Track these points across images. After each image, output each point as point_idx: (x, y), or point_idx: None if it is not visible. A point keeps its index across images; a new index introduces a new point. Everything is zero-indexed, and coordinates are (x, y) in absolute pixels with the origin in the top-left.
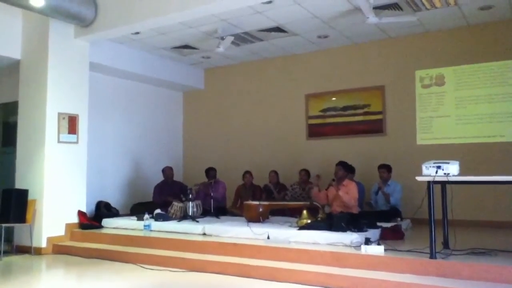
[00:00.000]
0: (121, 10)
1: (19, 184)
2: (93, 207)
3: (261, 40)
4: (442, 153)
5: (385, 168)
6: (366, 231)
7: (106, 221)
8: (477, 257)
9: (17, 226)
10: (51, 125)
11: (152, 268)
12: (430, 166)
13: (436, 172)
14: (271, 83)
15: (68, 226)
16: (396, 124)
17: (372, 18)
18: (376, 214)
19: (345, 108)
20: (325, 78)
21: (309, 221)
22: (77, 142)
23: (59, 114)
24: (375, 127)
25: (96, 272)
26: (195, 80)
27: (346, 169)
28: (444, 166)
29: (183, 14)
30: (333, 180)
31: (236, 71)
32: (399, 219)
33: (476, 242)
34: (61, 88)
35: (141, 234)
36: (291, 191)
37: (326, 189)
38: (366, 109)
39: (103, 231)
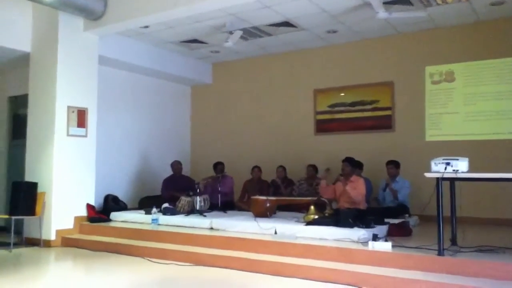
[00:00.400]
0: (130, 4)
1: (28, 177)
2: (101, 200)
3: (270, 34)
4: (451, 150)
5: (393, 164)
6: (373, 227)
7: (114, 215)
8: (485, 255)
9: (26, 218)
10: (60, 118)
11: (159, 262)
12: (439, 163)
13: (445, 168)
14: (279, 78)
15: (77, 219)
16: (404, 120)
17: (382, 13)
18: (383, 211)
19: (353, 104)
20: (334, 74)
21: (316, 216)
22: (86, 136)
23: (69, 107)
24: (383, 123)
25: (104, 265)
26: (203, 75)
27: (353, 165)
28: (453, 162)
29: (191, 8)
30: (341, 175)
31: (244, 66)
32: (407, 215)
33: (484, 239)
34: (71, 81)
35: (148, 227)
36: (298, 186)
37: (334, 184)
38: (374, 105)
39: (111, 224)
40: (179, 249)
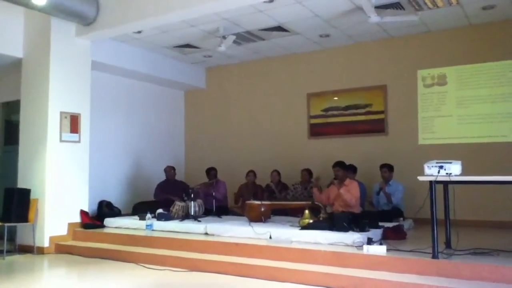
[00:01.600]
0: (122, 9)
1: (21, 183)
2: (95, 206)
3: (263, 39)
4: (444, 153)
5: (387, 168)
6: (368, 231)
7: (108, 221)
8: (479, 257)
9: (19, 225)
10: (53, 124)
11: (154, 268)
12: (432, 166)
13: (438, 172)
14: (273, 82)
15: (71, 225)
16: (398, 124)
17: (374, 17)
18: (378, 214)
19: (346, 108)
20: (327, 78)
21: (311, 221)
22: (79, 141)
23: (61, 113)
24: (376, 127)
25: (98, 271)
26: (197, 79)
27: (344, 169)
28: (446, 166)
29: (184, 13)
30: (335, 178)
31: (238, 70)
32: (401, 219)
33: (479, 242)
34: (63, 87)
35: (143, 233)
36: (292, 190)
37: (328, 187)
38: (367, 109)
39: (105, 230)
40: (173, 254)
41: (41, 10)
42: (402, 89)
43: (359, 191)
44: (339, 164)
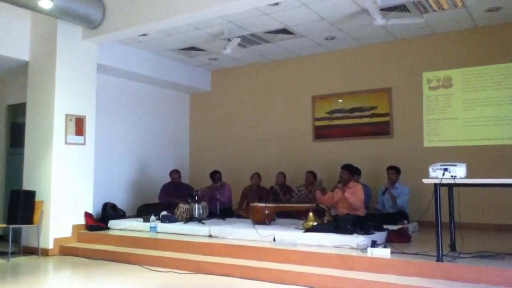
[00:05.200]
0: (128, 12)
1: (26, 185)
2: (99, 208)
3: (268, 42)
4: (449, 155)
5: (394, 170)
6: (372, 233)
7: (112, 223)
8: (484, 260)
9: (24, 227)
10: (58, 127)
11: (158, 270)
12: (437, 169)
13: (443, 174)
14: (278, 85)
15: (75, 227)
16: (403, 126)
17: (379, 20)
18: (382, 217)
19: (351, 110)
20: (332, 80)
21: (315, 223)
22: (84, 144)
23: (67, 115)
24: (382, 129)
25: (102, 273)
26: (202, 82)
27: (351, 172)
28: (451, 168)
29: (190, 16)
30: (339, 182)
31: (243, 73)
32: (406, 221)
33: (483, 245)
34: (69, 89)
35: (147, 235)
36: (297, 193)
37: (332, 191)
38: (373, 111)
39: (110, 232)
40: (177, 257)
41: (48, 13)
42: (407, 92)
43: (364, 193)
44: (346, 167)
